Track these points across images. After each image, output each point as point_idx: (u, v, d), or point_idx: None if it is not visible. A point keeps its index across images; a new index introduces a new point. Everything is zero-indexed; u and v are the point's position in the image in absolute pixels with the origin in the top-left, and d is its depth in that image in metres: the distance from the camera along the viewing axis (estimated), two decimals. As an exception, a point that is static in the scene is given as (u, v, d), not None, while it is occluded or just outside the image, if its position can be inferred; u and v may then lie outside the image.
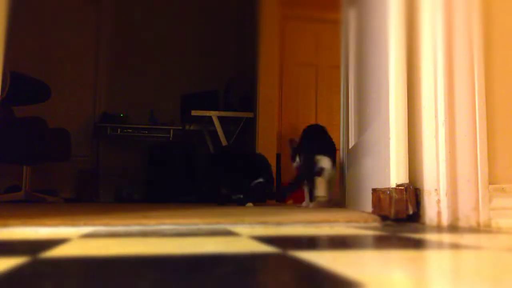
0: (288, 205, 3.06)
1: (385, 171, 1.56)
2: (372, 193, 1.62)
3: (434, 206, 1.38)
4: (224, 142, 4.10)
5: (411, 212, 1.43)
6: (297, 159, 2.55)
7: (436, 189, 1.39)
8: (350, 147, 2.35)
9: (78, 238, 1.00)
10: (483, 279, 0.57)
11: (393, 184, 1.49)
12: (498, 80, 1.45)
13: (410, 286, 0.53)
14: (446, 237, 1.12)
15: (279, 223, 1.36)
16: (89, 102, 5.05)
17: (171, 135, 4.79)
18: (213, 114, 4.14)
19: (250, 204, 2.83)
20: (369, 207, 1.66)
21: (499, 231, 1.27)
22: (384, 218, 1.48)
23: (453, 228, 1.32)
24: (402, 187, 1.46)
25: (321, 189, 2.49)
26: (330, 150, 2.50)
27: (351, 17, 2.40)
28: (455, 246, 0.95)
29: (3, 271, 0.58)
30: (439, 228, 1.32)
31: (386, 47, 1.61)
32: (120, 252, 0.75)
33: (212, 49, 5.18)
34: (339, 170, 2.53)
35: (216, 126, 4.11)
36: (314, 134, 2.60)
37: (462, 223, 1.35)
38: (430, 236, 1.13)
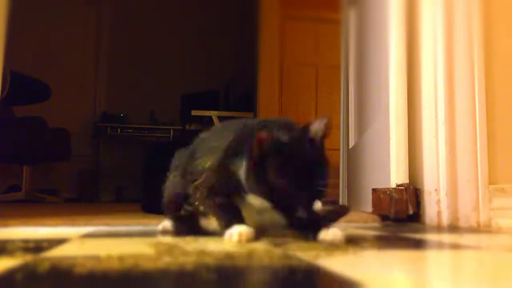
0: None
1: (385, 171, 1.56)
2: (372, 193, 1.62)
3: (434, 206, 1.38)
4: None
5: (411, 212, 1.43)
6: None
7: (436, 189, 1.39)
8: (350, 147, 2.34)
9: (78, 238, 1.00)
10: (483, 279, 0.57)
11: (393, 184, 1.49)
12: (498, 80, 1.45)
13: (410, 286, 0.53)
14: (446, 237, 1.12)
15: (279, 223, 1.36)
16: (89, 102, 5.05)
17: (171, 135, 4.79)
18: (213, 114, 4.13)
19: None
20: (369, 207, 1.65)
21: (499, 231, 1.27)
22: (384, 218, 1.48)
23: (453, 228, 1.32)
24: (402, 187, 1.46)
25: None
26: None
27: (351, 17, 2.40)
28: (455, 246, 0.95)
29: (2, 271, 0.58)
30: (439, 228, 1.32)
31: (386, 47, 1.61)
32: (121, 252, 0.75)
33: (212, 49, 5.18)
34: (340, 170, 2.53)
35: (216, 126, 4.12)
36: None
37: (462, 223, 1.35)
38: (430, 236, 1.13)
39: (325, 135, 0.91)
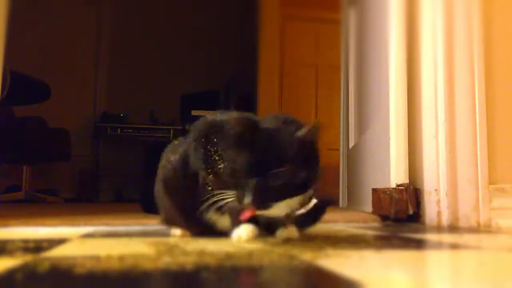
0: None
1: (385, 171, 1.56)
2: (372, 193, 1.62)
3: (434, 206, 1.38)
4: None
5: (411, 212, 1.43)
6: None
7: (436, 189, 1.39)
8: (350, 147, 2.34)
9: (78, 238, 1.00)
10: (483, 279, 0.57)
11: (393, 184, 1.49)
12: (498, 80, 1.45)
13: (410, 286, 0.53)
14: (446, 237, 1.12)
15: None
16: (89, 102, 5.05)
17: (171, 135, 4.79)
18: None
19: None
20: (369, 207, 1.65)
21: (499, 231, 1.27)
22: (384, 218, 1.48)
23: (453, 228, 1.32)
24: (402, 187, 1.46)
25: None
26: None
27: (351, 17, 2.40)
28: (455, 246, 0.95)
29: (2, 271, 0.58)
30: (439, 228, 1.32)
31: (386, 47, 1.61)
32: (121, 252, 0.75)
33: (212, 49, 5.17)
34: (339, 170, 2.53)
35: (216, 126, 4.11)
36: None
37: (462, 223, 1.35)
38: (430, 236, 1.13)
39: (314, 137, 0.87)
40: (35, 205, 3.14)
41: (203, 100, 4.41)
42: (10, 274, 0.57)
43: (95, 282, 0.54)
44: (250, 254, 0.73)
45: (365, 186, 1.84)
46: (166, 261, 0.66)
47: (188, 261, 0.65)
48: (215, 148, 0.91)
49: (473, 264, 0.71)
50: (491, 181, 1.38)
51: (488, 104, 1.41)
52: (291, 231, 0.94)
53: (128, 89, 5.04)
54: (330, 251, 0.76)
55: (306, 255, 0.72)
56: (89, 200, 4.45)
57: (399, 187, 1.46)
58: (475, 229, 1.30)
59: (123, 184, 4.68)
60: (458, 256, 0.82)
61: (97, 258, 0.68)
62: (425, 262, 0.75)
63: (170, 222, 1.05)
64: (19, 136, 3.62)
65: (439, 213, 1.37)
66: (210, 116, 1.00)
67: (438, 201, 1.37)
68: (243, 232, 0.89)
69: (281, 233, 0.93)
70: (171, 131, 4.79)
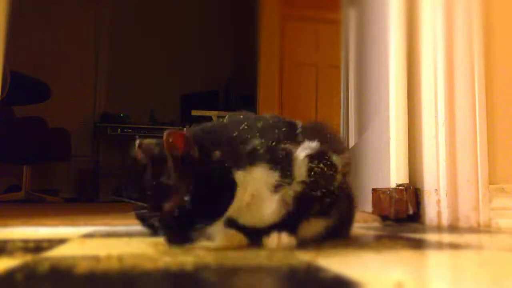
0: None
1: (385, 171, 1.56)
2: (372, 193, 1.62)
3: (434, 206, 1.38)
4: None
5: (411, 212, 1.43)
6: None
7: (436, 189, 1.39)
8: (350, 147, 2.34)
9: (78, 238, 1.00)
10: (483, 279, 0.57)
11: (393, 184, 1.49)
12: (498, 80, 1.45)
13: (410, 286, 0.53)
14: (446, 237, 1.12)
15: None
16: (89, 102, 5.05)
17: (171, 135, 4.79)
18: (213, 114, 4.13)
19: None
20: (369, 207, 1.65)
21: (499, 231, 1.27)
22: (384, 218, 1.48)
23: (453, 228, 1.32)
24: (402, 187, 1.46)
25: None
26: None
27: (351, 17, 2.40)
28: (455, 246, 0.95)
29: (2, 271, 0.58)
30: (439, 228, 1.32)
31: (386, 47, 1.61)
32: (121, 252, 0.75)
33: (212, 49, 5.18)
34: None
35: (216, 126, 4.11)
36: None
37: (462, 223, 1.35)
38: (430, 236, 1.13)
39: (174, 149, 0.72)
40: (35, 205, 3.14)
41: (203, 100, 4.42)
42: (10, 274, 0.57)
43: (95, 282, 0.54)
44: (250, 254, 0.73)
45: (365, 186, 1.83)
46: (166, 261, 0.66)
47: (188, 261, 0.65)
48: None
49: (473, 264, 0.71)
50: (491, 181, 1.38)
51: (488, 104, 1.41)
52: (282, 238, 0.79)
53: (128, 89, 5.04)
54: (330, 251, 0.76)
55: (306, 255, 0.72)
56: (89, 200, 4.45)
57: (399, 187, 1.46)
58: (475, 229, 1.30)
59: (123, 183, 4.68)
60: (458, 256, 0.82)
61: (97, 258, 0.68)
62: (425, 262, 0.75)
63: None
64: (19, 136, 3.62)
65: (439, 213, 1.37)
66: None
67: (438, 201, 1.37)
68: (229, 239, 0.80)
69: (270, 241, 0.79)
70: (171, 131, 4.79)
